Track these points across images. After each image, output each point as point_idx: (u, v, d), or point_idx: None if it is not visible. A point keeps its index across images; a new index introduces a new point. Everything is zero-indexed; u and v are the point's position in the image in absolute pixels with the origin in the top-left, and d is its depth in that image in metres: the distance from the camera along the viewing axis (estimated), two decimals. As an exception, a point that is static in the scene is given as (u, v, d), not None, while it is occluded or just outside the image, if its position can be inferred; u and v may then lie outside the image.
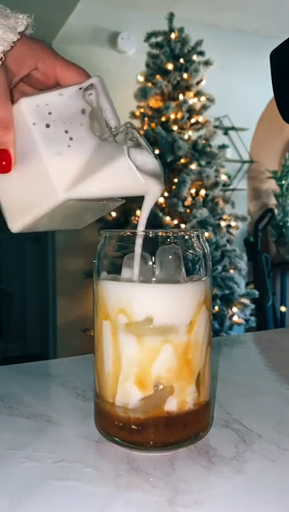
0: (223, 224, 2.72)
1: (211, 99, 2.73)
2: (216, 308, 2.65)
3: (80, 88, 0.39)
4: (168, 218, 2.55)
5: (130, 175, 0.37)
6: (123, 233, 0.40)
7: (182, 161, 2.62)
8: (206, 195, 2.69)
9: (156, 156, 0.40)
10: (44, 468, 0.36)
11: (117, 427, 0.39)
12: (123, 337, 0.38)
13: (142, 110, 2.74)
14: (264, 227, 3.50)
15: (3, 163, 0.37)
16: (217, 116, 3.18)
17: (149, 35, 2.72)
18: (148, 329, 0.37)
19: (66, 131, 0.37)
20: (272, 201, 3.72)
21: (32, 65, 0.39)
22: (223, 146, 3.08)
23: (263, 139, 3.63)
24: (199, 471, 0.36)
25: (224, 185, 2.89)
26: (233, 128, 3.42)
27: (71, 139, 0.37)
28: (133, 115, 2.73)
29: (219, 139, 3.03)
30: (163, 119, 2.66)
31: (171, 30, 2.72)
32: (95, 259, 0.41)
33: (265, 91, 3.02)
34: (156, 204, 2.62)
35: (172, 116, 2.66)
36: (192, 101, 2.71)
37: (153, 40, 2.73)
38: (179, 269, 0.39)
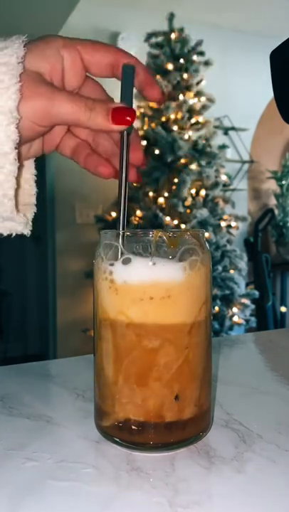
0: (223, 224, 2.72)
1: (211, 100, 2.73)
2: (216, 308, 2.65)
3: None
4: (168, 218, 2.55)
5: None
6: (123, 233, 0.40)
7: (182, 161, 2.61)
8: (206, 195, 2.69)
9: None
10: (44, 468, 0.36)
11: (117, 427, 0.39)
12: (123, 337, 0.38)
13: (142, 110, 2.74)
14: (264, 227, 3.50)
15: (128, 118, 0.39)
16: (217, 116, 3.18)
17: (149, 35, 2.72)
18: (148, 329, 0.37)
19: None
20: (273, 201, 3.72)
21: (59, 69, 0.38)
22: (223, 146, 3.08)
23: (263, 139, 3.63)
24: (199, 471, 0.36)
25: (224, 185, 2.89)
26: (233, 128, 3.42)
27: None
28: (133, 115, 2.73)
29: (219, 139, 3.03)
30: (163, 119, 2.66)
31: (171, 30, 2.72)
32: (94, 260, 0.41)
33: (265, 91, 3.02)
34: (157, 204, 2.62)
35: (172, 117, 2.66)
36: (192, 101, 2.71)
37: (153, 40, 2.73)
38: None
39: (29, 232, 0.39)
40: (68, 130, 0.44)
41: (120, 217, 0.40)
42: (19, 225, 0.38)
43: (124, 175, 0.40)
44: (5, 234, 0.39)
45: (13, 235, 0.39)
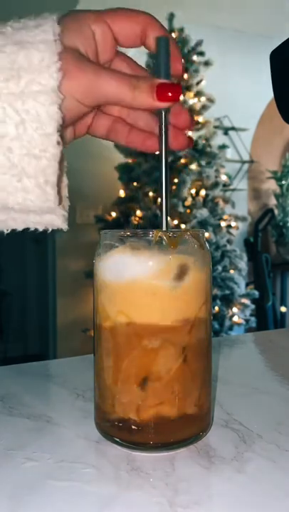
0: (223, 224, 2.72)
1: (211, 100, 2.73)
2: (216, 308, 2.65)
3: None
4: (168, 218, 2.55)
5: None
6: (123, 233, 0.40)
7: (182, 161, 2.62)
8: (206, 195, 2.69)
9: None
10: (44, 468, 0.36)
11: (117, 427, 0.39)
12: (123, 337, 0.38)
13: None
14: (264, 227, 3.50)
15: (174, 94, 0.36)
16: (217, 116, 3.18)
17: (149, 36, 2.72)
18: (148, 329, 0.37)
19: None
20: (273, 201, 3.72)
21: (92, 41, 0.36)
22: (223, 147, 3.08)
23: (263, 139, 3.63)
24: (199, 471, 0.36)
25: (224, 185, 2.89)
26: (233, 128, 3.42)
27: None
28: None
29: (219, 139, 3.03)
30: (163, 119, 2.66)
31: (171, 30, 2.71)
32: (94, 260, 0.41)
33: (265, 91, 3.02)
34: (157, 204, 2.62)
35: (172, 117, 2.66)
36: (192, 101, 2.71)
37: (153, 40, 2.73)
38: None
39: (67, 227, 0.36)
40: (98, 109, 0.41)
41: (163, 208, 0.39)
42: (58, 218, 0.35)
43: (164, 158, 0.38)
44: (41, 229, 0.35)
45: (50, 230, 0.36)
